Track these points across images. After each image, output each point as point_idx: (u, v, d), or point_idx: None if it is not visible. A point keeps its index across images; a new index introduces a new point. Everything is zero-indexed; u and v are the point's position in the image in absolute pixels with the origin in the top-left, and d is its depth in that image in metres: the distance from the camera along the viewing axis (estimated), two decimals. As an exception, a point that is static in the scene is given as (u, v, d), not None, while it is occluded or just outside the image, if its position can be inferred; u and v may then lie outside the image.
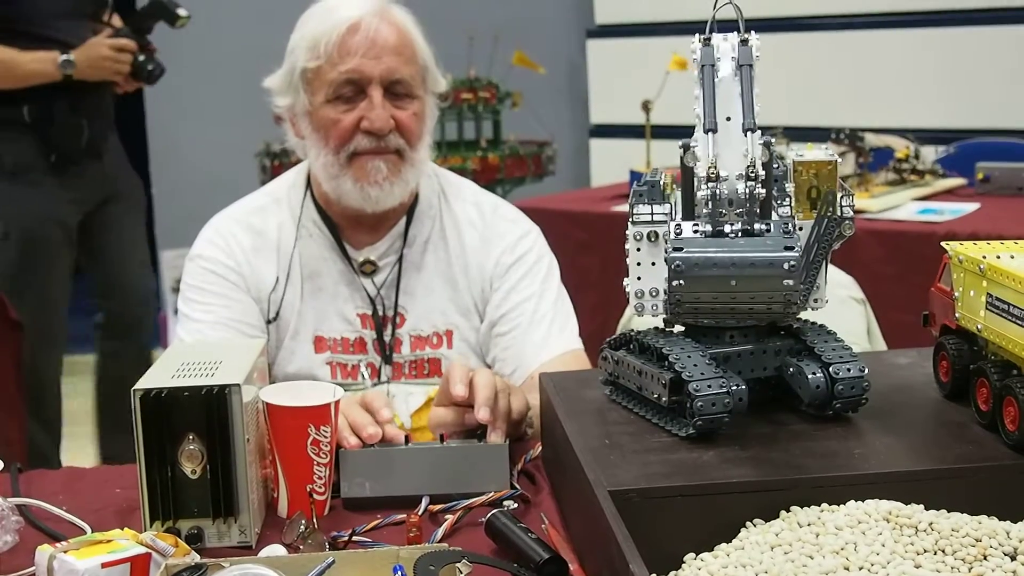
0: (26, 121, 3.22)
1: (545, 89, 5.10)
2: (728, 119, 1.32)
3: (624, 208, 1.42)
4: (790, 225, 1.29)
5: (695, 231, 1.29)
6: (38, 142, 3.23)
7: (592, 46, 5.66)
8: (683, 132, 1.41)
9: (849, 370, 1.34)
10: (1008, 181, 3.59)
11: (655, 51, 3.96)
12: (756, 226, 1.28)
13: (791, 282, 1.26)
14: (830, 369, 1.33)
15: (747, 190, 1.28)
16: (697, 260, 1.26)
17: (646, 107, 3.83)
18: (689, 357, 1.33)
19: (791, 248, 1.26)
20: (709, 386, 1.29)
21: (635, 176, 3.17)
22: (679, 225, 1.30)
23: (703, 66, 1.33)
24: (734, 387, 1.30)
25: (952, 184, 3.67)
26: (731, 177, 1.29)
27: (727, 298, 1.28)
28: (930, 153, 3.87)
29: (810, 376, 1.33)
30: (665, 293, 1.38)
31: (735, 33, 1.35)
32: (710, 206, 1.29)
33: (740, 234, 1.28)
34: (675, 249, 1.27)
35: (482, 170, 4.33)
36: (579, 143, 5.74)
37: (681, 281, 1.27)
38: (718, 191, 1.28)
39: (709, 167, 1.29)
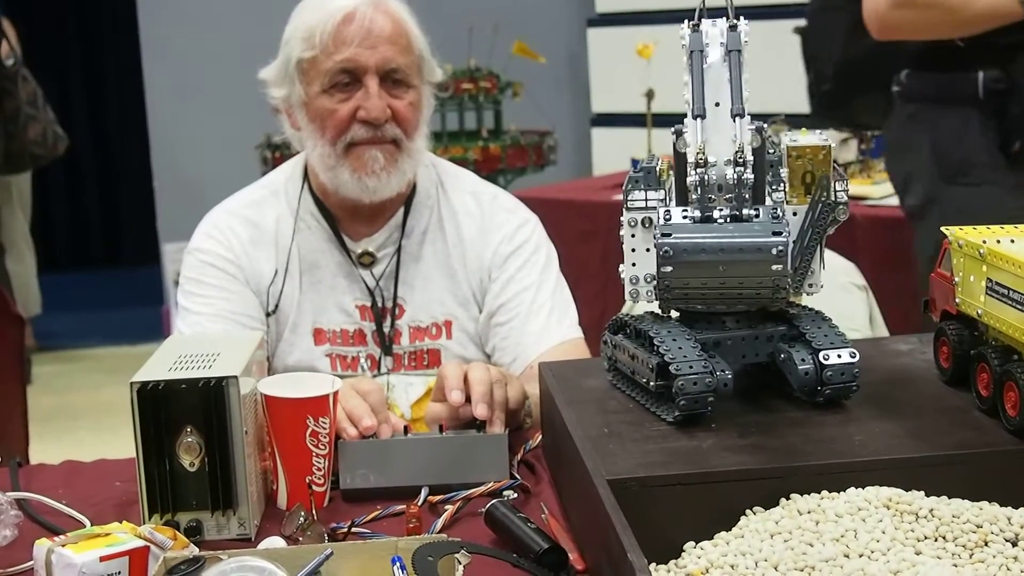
0: (979, 96, 2.32)
1: (546, 78, 5.08)
2: (717, 105, 1.32)
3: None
4: (779, 210, 1.30)
5: (684, 217, 1.29)
6: (988, 124, 2.33)
7: (592, 35, 5.63)
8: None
9: (839, 356, 1.33)
10: (1011, 166, 3.56)
11: (655, 39, 3.94)
12: (745, 211, 1.29)
13: (779, 267, 1.26)
14: (819, 355, 1.33)
15: (736, 175, 1.28)
16: (685, 246, 1.26)
17: (649, 95, 3.82)
18: (675, 340, 1.33)
19: (779, 233, 1.26)
20: (691, 367, 1.29)
21: (637, 165, 3.16)
22: (668, 211, 1.30)
23: (692, 52, 1.33)
24: (719, 372, 1.30)
25: (954, 170, 3.65)
26: (720, 163, 1.30)
27: (716, 283, 1.29)
28: (932, 139, 3.84)
29: (799, 362, 1.33)
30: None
31: (724, 19, 1.34)
32: (699, 191, 1.29)
33: (729, 220, 1.28)
34: (663, 235, 1.27)
35: (484, 160, 4.32)
36: (580, 132, 5.73)
37: (670, 267, 1.27)
38: (707, 176, 1.29)
39: (698, 153, 1.29)
